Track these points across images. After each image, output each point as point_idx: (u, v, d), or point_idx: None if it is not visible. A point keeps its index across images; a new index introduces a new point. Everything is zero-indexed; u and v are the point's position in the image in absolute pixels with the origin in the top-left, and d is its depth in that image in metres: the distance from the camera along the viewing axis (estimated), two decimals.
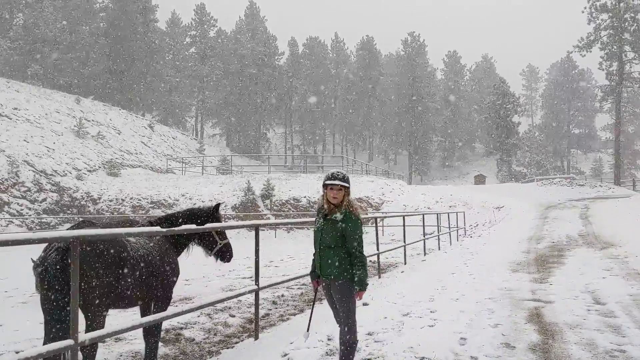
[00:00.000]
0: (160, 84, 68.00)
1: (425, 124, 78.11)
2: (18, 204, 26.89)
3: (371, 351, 5.38)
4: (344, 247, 4.43)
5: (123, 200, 30.04)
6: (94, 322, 4.18)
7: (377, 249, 11.46)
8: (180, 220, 5.40)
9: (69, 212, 28.63)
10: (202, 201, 29.93)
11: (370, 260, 14.62)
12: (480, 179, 59.94)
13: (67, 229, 4.02)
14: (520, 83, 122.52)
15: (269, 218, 28.35)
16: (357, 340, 4.47)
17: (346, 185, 4.53)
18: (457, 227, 22.58)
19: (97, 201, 29.87)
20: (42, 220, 26.92)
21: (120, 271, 4.41)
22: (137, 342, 6.29)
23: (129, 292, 4.54)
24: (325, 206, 4.61)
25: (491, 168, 75.50)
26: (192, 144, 58.44)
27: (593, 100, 79.31)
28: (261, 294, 9.04)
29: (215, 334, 6.83)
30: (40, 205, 27.76)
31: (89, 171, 33.33)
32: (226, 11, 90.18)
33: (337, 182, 4.50)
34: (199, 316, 7.83)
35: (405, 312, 7.19)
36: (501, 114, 66.34)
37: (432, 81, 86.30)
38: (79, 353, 3.85)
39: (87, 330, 4.06)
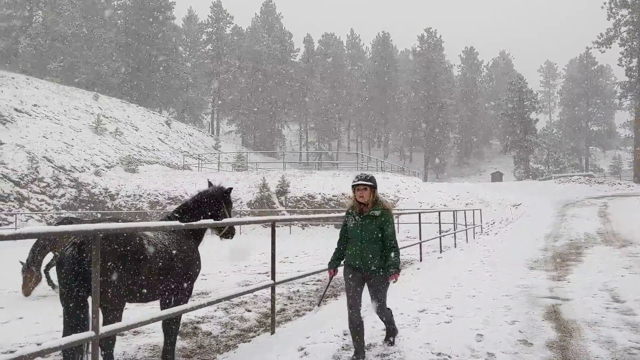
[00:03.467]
0: (176, 81, 68.42)
1: (441, 120, 77.64)
2: (37, 199, 27.27)
3: (387, 347, 5.38)
4: (381, 241, 5.02)
5: (140, 196, 30.31)
6: (110, 317, 4.22)
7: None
8: (196, 211, 5.35)
9: (87, 207, 28.97)
10: None
11: None
12: (497, 177, 59.54)
13: (53, 224, 4.07)
14: (538, 79, 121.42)
15: (284, 214, 28.43)
16: (390, 310, 5.40)
17: (370, 184, 5.05)
18: (473, 224, 22.43)
19: (115, 197, 30.18)
20: (61, 216, 27.27)
21: (139, 265, 4.45)
22: (155, 335, 6.36)
23: (148, 286, 4.58)
24: (355, 205, 5.16)
25: (508, 165, 74.90)
26: (208, 140, 58.78)
27: (612, 96, 78.30)
28: (277, 289, 9.08)
29: (232, 328, 6.88)
30: (59, 201, 28.13)
31: (107, 167, 33.69)
32: (242, 8, 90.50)
33: (362, 182, 5.05)
34: (215, 310, 7.89)
35: (421, 309, 7.18)
36: (518, 111, 65.76)
37: (448, 77, 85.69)
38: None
39: (105, 324, 4.10)
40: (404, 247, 13.58)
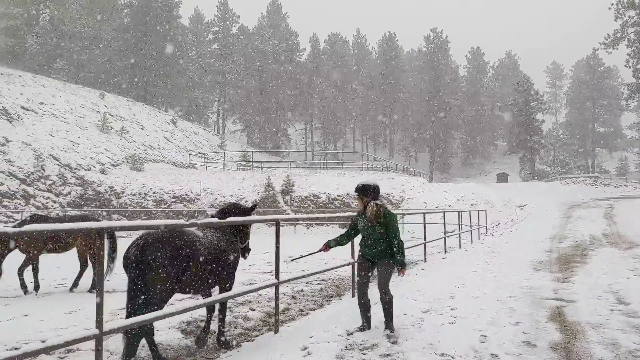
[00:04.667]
0: (182, 79, 68.56)
1: (447, 121, 77.47)
2: (43, 197, 27.39)
3: (390, 346, 5.38)
4: (386, 238, 5.96)
5: (146, 194, 30.40)
6: (156, 306, 4.85)
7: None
8: (232, 215, 6.13)
9: (92, 205, 29.07)
10: (223, 196, 30.17)
11: None
12: (502, 177, 59.38)
13: (15, 225, 4.10)
14: (545, 80, 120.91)
15: (288, 214, 28.45)
16: (392, 295, 6.01)
17: (358, 194, 6.22)
18: (478, 225, 22.38)
19: (121, 195, 30.28)
20: (67, 214, 27.37)
21: (187, 262, 5.13)
22: (158, 333, 6.38)
23: (195, 280, 5.31)
24: (362, 209, 6.21)
25: (514, 166, 74.70)
26: (214, 139, 58.88)
27: (619, 98, 77.93)
28: (281, 289, 9.09)
29: (235, 327, 6.89)
30: (64, 199, 28.24)
31: (113, 165, 33.80)
32: (248, 8, 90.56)
33: (355, 193, 6.30)
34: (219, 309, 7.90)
35: (425, 309, 7.17)
36: (525, 112, 65.54)
37: (454, 78, 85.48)
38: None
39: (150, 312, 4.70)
40: (408, 248, 13.60)
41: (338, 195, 30.03)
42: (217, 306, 6.06)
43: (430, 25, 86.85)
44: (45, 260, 10.09)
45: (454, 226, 22.12)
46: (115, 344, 5.84)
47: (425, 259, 13.53)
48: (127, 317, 4.91)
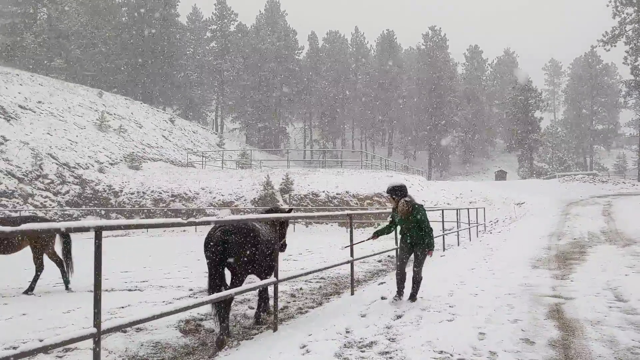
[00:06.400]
0: (181, 78, 68.43)
1: (445, 119, 77.47)
2: (42, 196, 27.37)
3: (389, 344, 5.38)
4: (419, 227, 7.38)
5: (144, 193, 30.38)
6: (238, 281, 6.10)
7: (396, 244, 11.39)
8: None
9: (90, 204, 29.06)
10: (222, 195, 30.16)
11: (389, 255, 14.63)
12: (501, 175, 59.40)
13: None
14: (543, 78, 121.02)
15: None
16: (422, 277, 7.46)
17: (389, 195, 7.71)
18: (477, 223, 22.39)
19: (119, 194, 30.26)
20: (65, 212, 27.36)
21: (257, 248, 6.28)
22: (157, 332, 6.39)
23: (261, 262, 6.54)
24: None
25: (512, 164, 74.77)
26: (212, 138, 58.83)
27: (617, 95, 77.99)
28: (280, 287, 9.09)
29: (234, 325, 6.89)
30: (63, 198, 28.22)
31: (111, 164, 33.77)
32: (246, 5, 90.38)
33: (387, 194, 7.82)
34: None
35: (424, 307, 7.18)
36: (523, 109, 65.57)
37: (453, 76, 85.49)
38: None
39: (232, 286, 6.05)
40: None
41: (337, 194, 30.02)
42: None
43: (429, 22, 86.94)
44: (49, 261, 10.04)
45: (453, 224, 22.09)
46: (113, 342, 5.84)
47: None
48: (210, 294, 5.85)
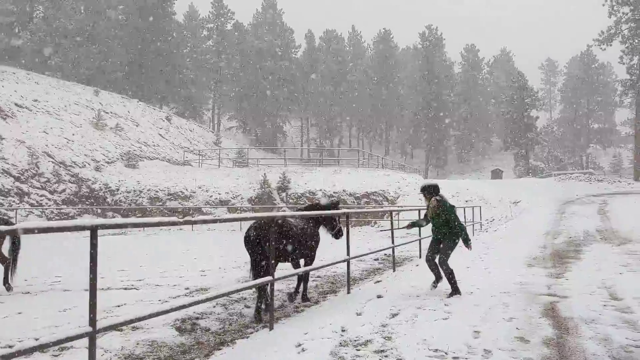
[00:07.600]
0: (177, 76, 68.31)
1: (442, 117, 77.55)
2: (38, 194, 27.31)
3: (384, 342, 5.40)
4: (447, 224, 8.00)
5: (141, 191, 30.35)
6: (270, 268, 6.36)
7: (392, 243, 11.43)
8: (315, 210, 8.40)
9: (87, 203, 29.01)
10: (219, 193, 30.13)
11: (385, 254, 14.63)
12: (497, 174, 59.54)
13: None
14: (539, 77, 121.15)
15: (284, 211, 28.44)
16: (452, 270, 7.91)
17: (424, 193, 8.45)
18: (473, 221, 22.45)
19: (115, 192, 30.22)
20: (62, 211, 27.31)
21: (287, 239, 7.28)
22: (153, 330, 6.39)
23: (291, 252, 7.46)
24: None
25: (508, 163, 74.89)
26: (209, 136, 58.76)
27: (613, 94, 78.24)
28: (276, 286, 9.09)
29: (230, 324, 6.89)
30: (59, 196, 28.17)
31: (107, 163, 33.71)
32: (243, 4, 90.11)
33: (420, 193, 8.74)
34: (214, 307, 7.90)
35: (419, 305, 7.20)
36: (519, 108, 65.67)
37: (449, 74, 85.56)
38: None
39: (266, 276, 6.58)
40: (404, 244, 13.68)
41: (334, 192, 30.03)
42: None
43: (426, 22, 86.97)
44: (45, 259, 10.02)
45: None
46: (109, 341, 5.84)
47: (420, 254, 13.57)
48: (254, 278, 6.95)
